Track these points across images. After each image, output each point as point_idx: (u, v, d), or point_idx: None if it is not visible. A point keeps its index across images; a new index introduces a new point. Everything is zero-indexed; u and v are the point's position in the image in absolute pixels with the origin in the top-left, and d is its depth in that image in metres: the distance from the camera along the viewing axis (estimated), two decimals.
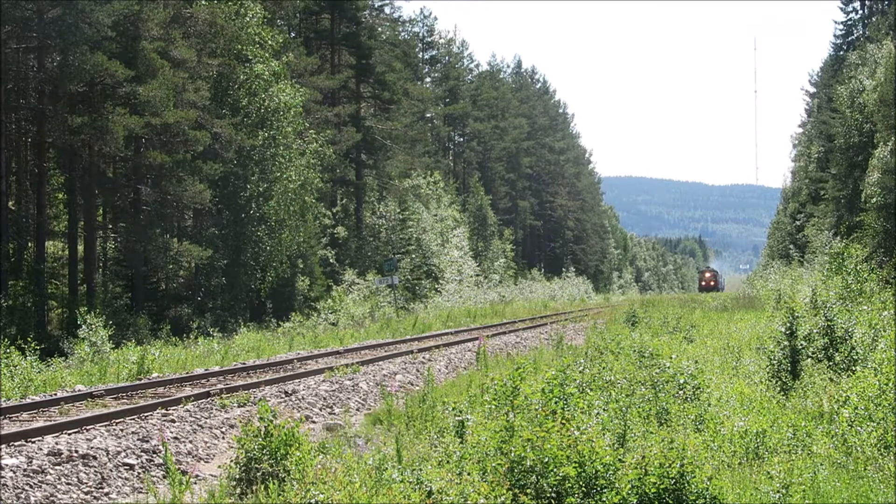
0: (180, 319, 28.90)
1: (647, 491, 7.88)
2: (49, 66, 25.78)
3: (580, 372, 12.96)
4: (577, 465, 7.89)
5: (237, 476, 8.71)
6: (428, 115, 63.15)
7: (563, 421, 8.39)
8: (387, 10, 53.22)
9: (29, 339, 18.99)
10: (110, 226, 31.03)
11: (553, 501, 7.82)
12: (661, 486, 7.89)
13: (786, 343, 14.40)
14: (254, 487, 8.48)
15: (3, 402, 13.51)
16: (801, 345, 14.43)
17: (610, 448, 8.36)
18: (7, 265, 25.71)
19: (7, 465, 9.65)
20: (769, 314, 26.67)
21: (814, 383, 13.56)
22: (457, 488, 7.48)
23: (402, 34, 61.41)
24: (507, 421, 8.28)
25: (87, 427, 11.70)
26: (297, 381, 16.69)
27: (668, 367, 13.41)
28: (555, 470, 7.84)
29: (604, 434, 9.08)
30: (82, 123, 25.31)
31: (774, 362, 14.46)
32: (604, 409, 10.48)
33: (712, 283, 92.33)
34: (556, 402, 9.17)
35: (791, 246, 63.54)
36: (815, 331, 14.88)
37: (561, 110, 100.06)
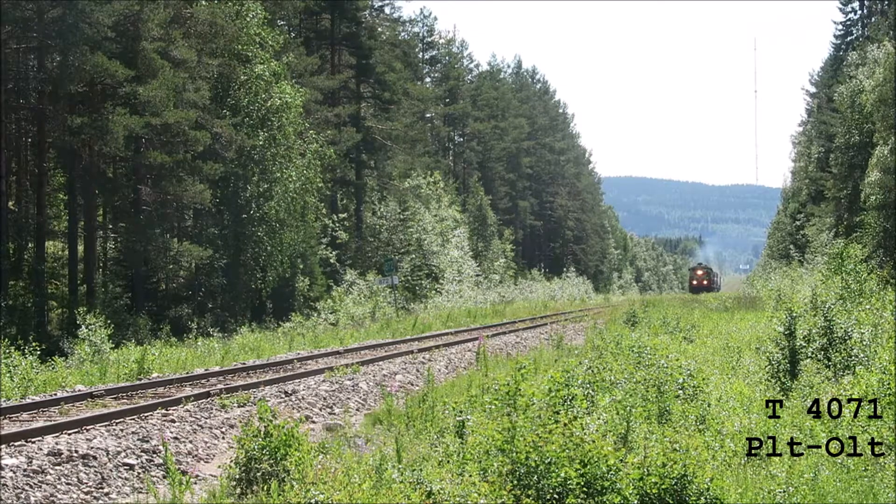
0: (180, 319, 28.89)
1: (649, 491, 7.86)
2: (49, 66, 25.79)
3: (584, 372, 12.95)
4: (580, 465, 7.87)
5: (237, 476, 8.70)
6: (428, 115, 63.10)
7: (567, 421, 8.37)
8: (387, 10, 53.24)
9: (29, 338, 18.97)
10: (110, 226, 31.03)
11: (554, 502, 7.80)
12: (663, 487, 7.87)
13: (784, 344, 14.38)
14: (254, 487, 8.47)
15: (3, 402, 13.50)
16: (801, 345, 14.41)
17: (612, 448, 8.32)
18: (7, 265, 25.71)
19: (7, 465, 9.64)
20: (769, 314, 26.63)
21: (812, 384, 13.53)
22: (457, 488, 7.47)
23: (402, 34, 61.35)
24: (510, 422, 8.27)
25: (87, 427, 11.69)
26: (297, 381, 16.68)
27: (666, 367, 13.39)
28: (556, 471, 7.82)
29: (606, 435, 9.05)
30: (82, 123, 25.31)
31: (773, 363, 14.44)
32: (605, 410, 10.46)
33: (705, 283, 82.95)
34: (561, 403, 9.15)
35: (791, 246, 63.57)
36: (814, 331, 14.86)
37: (561, 110, 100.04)
